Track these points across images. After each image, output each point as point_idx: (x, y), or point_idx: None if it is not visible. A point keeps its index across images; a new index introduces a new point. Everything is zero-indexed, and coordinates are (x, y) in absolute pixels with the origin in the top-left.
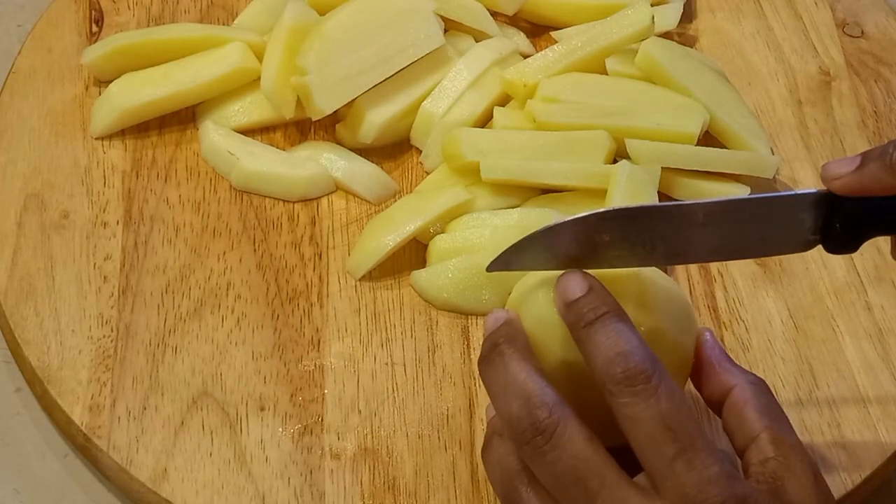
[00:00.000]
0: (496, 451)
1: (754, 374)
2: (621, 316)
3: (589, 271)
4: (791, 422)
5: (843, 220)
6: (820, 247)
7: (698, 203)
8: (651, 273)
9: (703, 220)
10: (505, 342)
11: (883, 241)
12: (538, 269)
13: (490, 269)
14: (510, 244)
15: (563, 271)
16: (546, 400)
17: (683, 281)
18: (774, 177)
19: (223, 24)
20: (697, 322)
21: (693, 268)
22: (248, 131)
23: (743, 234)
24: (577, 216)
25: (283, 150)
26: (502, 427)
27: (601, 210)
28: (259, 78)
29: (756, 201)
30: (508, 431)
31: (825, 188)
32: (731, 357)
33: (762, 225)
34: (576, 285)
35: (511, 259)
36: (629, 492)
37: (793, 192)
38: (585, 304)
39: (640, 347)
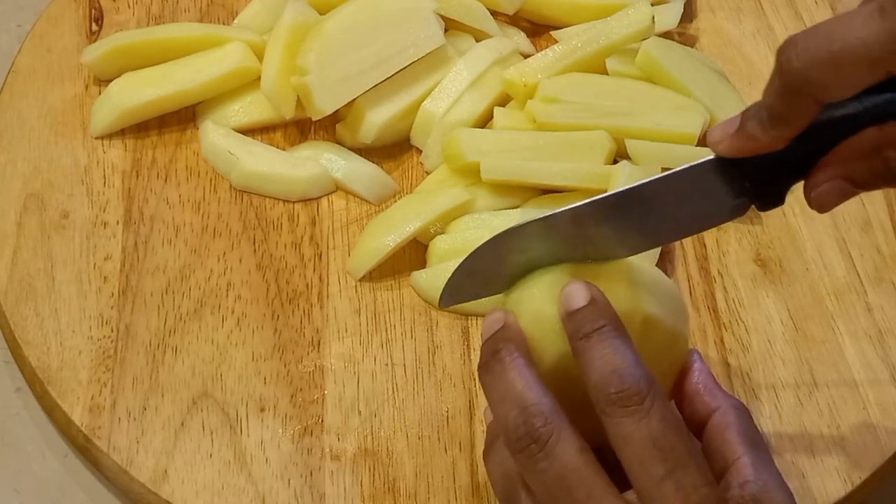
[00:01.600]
0: (498, 454)
1: (737, 399)
2: (619, 331)
3: (586, 280)
4: (791, 422)
5: (750, 178)
6: (819, 249)
7: (602, 198)
8: (641, 264)
9: (616, 212)
10: (504, 348)
11: (883, 241)
12: (486, 295)
13: (441, 305)
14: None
15: (556, 266)
16: (542, 409)
17: (683, 281)
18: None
19: (223, 24)
20: (688, 310)
21: (693, 268)
22: (248, 131)
23: (664, 216)
24: (493, 236)
25: (283, 150)
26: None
27: (517, 225)
28: (259, 78)
29: (660, 180)
30: (505, 438)
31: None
32: (731, 360)
33: (680, 201)
34: (578, 295)
35: (455, 292)
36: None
37: (691, 164)
38: (585, 316)
39: (635, 366)
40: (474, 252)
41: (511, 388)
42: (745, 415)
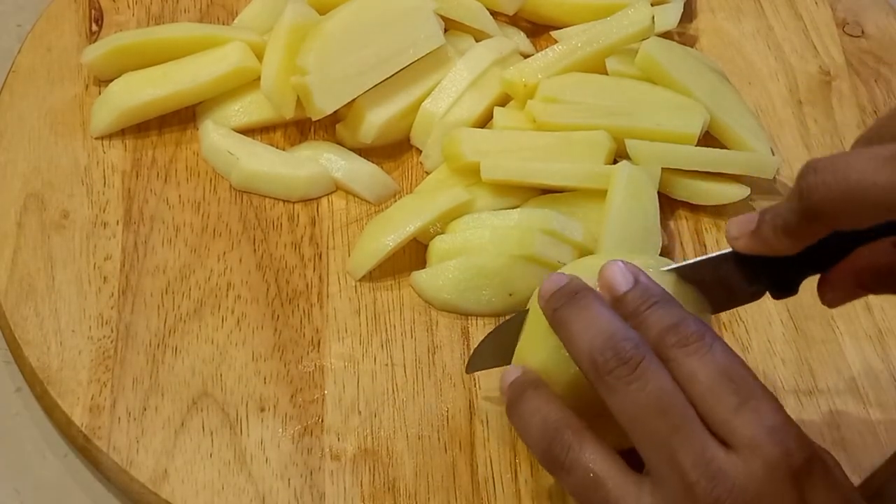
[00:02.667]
0: (531, 400)
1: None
2: (672, 301)
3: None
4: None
5: (767, 272)
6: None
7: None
8: (663, 262)
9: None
10: (585, 289)
11: None
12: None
13: (468, 371)
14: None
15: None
16: (632, 335)
17: None
18: (775, 177)
19: (223, 24)
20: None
21: None
22: (248, 131)
23: (697, 298)
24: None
25: (283, 150)
26: (535, 380)
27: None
28: (259, 78)
29: (684, 268)
30: (589, 364)
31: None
32: None
33: (705, 286)
34: (621, 278)
35: (481, 360)
36: (707, 436)
37: (712, 255)
38: (636, 298)
39: (690, 317)
40: (503, 325)
41: (597, 319)
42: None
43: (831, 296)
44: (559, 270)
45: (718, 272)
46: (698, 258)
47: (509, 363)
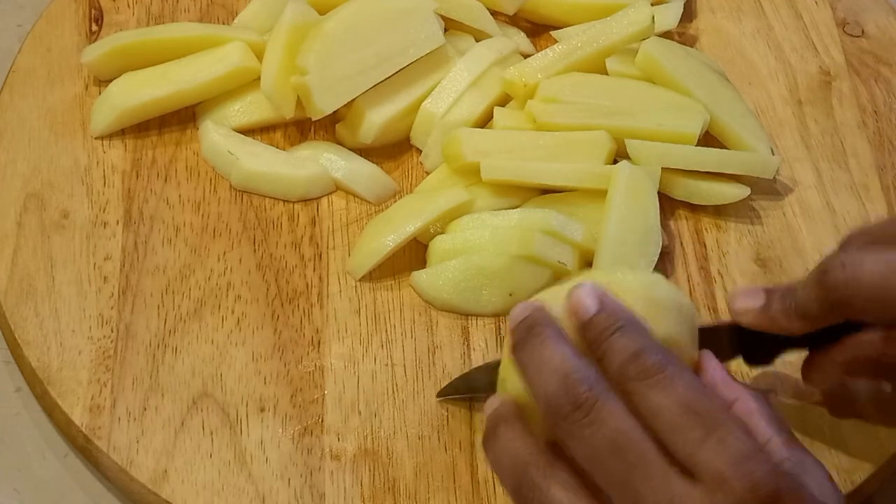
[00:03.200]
0: (502, 437)
1: (754, 389)
2: (636, 325)
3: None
4: (792, 422)
5: (748, 348)
6: (819, 249)
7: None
8: (656, 280)
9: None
10: (540, 324)
11: None
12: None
13: (440, 395)
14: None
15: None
16: (587, 375)
17: (683, 281)
18: (775, 177)
19: (223, 24)
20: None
21: (693, 268)
22: (248, 131)
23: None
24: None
25: (283, 150)
26: (507, 414)
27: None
28: (259, 77)
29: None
30: (545, 408)
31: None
32: (735, 366)
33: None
34: (588, 302)
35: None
36: (668, 471)
37: (712, 325)
38: (601, 323)
39: (652, 345)
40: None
41: (549, 359)
42: (765, 401)
43: (817, 377)
44: (534, 297)
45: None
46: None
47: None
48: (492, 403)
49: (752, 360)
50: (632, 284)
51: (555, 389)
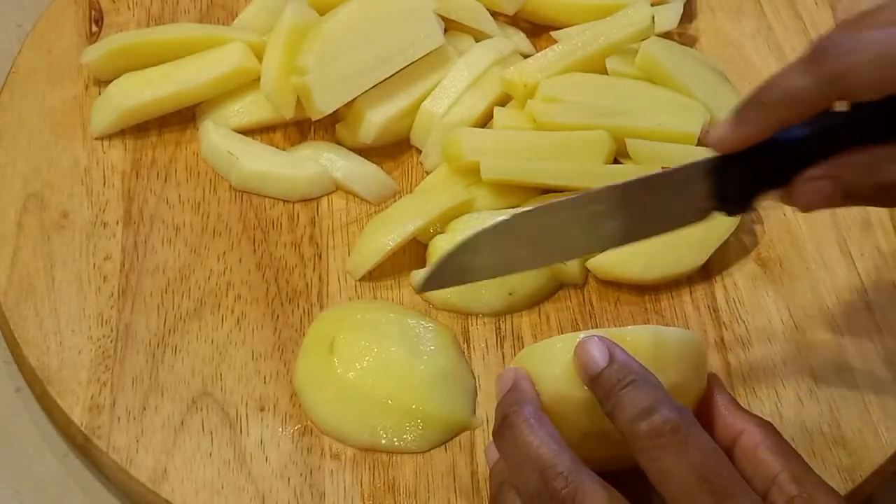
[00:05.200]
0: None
1: (761, 417)
2: (647, 380)
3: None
4: (792, 421)
5: (734, 181)
6: (820, 248)
7: (599, 190)
8: (662, 330)
9: (609, 205)
10: (513, 411)
11: (883, 241)
12: (467, 282)
13: (421, 290)
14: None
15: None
16: (561, 469)
17: (683, 281)
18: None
19: (223, 24)
20: (706, 366)
21: None
22: (248, 131)
23: (642, 214)
24: (485, 227)
25: (283, 150)
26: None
27: (500, 220)
28: (259, 78)
29: (653, 178)
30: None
31: (713, 155)
32: (731, 359)
33: (660, 201)
34: (597, 355)
35: (439, 279)
36: None
37: (686, 164)
38: (610, 377)
39: (665, 401)
40: (465, 243)
41: (525, 452)
42: (771, 430)
43: (806, 191)
44: (514, 361)
45: (659, 190)
46: (668, 168)
47: (470, 282)
48: (493, 449)
49: (731, 208)
50: (636, 335)
51: (535, 486)
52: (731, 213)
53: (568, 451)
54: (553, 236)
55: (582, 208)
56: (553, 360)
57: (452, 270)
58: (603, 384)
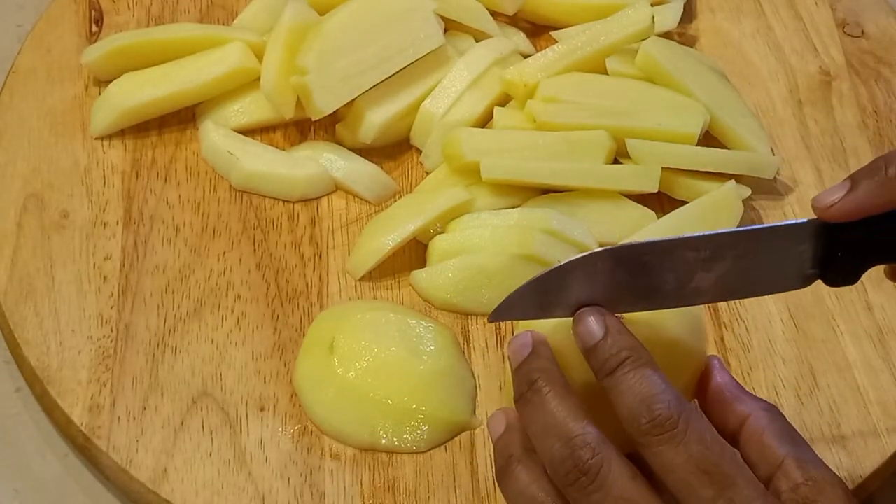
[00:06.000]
0: (519, 479)
1: (766, 401)
2: (642, 358)
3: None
4: (791, 421)
5: (844, 249)
6: None
7: (699, 236)
8: None
9: (706, 254)
10: (540, 378)
11: None
12: (542, 318)
13: (491, 320)
14: (511, 292)
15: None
16: (588, 440)
17: None
18: (775, 177)
19: (223, 24)
20: (706, 333)
21: None
22: (248, 131)
23: (742, 269)
24: (572, 259)
25: (283, 150)
26: (520, 452)
27: (598, 250)
28: (259, 78)
29: (754, 233)
30: (551, 471)
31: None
32: (731, 359)
33: (761, 257)
34: (594, 327)
35: (512, 309)
36: None
37: (791, 222)
38: (606, 350)
39: (663, 392)
40: (545, 275)
41: (552, 421)
42: (777, 415)
43: None
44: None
45: (759, 247)
46: (773, 224)
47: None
48: (498, 421)
49: (834, 279)
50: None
51: (559, 454)
52: (833, 283)
53: (595, 427)
54: (642, 278)
55: (673, 252)
56: (556, 326)
57: (532, 301)
58: (598, 356)
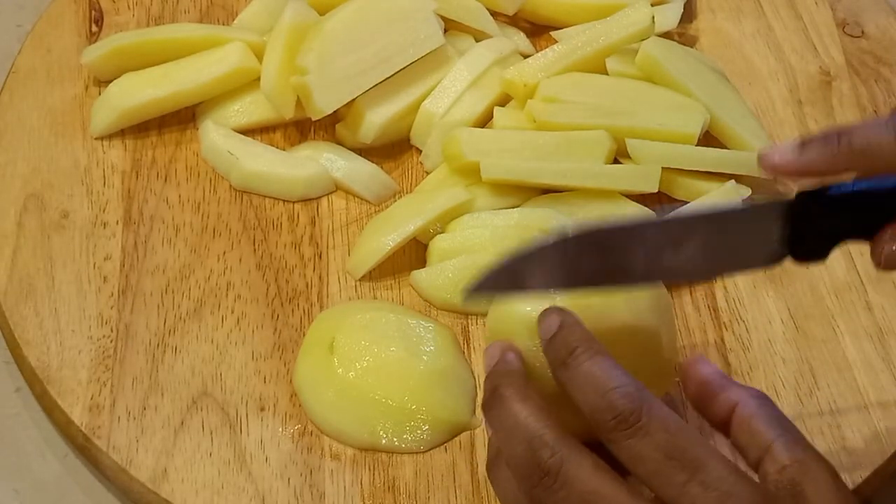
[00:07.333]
0: (505, 472)
1: (755, 389)
2: (592, 349)
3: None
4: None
5: (813, 229)
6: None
7: (666, 219)
8: None
9: (681, 233)
10: (503, 384)
11: None
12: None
13: (467, 298)
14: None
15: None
16: (547, 440)
17: (684, 281)
18: (775, 177)
19: (223, 24)
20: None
21: None
22: (248, 131)
23: (711, 249)
24: (545, 241)
25: (283, 150)
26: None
27: (572, 232)
28: (259, 78)
29: (723, 214)
30: (516, 475)
31: (792, 198)
32: (731, 359)
33: (730, 237)
34: (549, 322)
35: (489, 285)
36: None
37: (762, 203)
38: (558, 342)
39: (618, 380)
40: (525, 255)
41: (513, 424)
42: (765, 401)
43: (889, 257)
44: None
45: (729, 227)
46: (743, 205)
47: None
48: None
49: (801, 255)
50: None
51: (522, 456)
52: (803, 260)
53: (555, 424)
54: (616, 256)
55: (644, 232)
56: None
57: (507, 278)
58: (552, 350)
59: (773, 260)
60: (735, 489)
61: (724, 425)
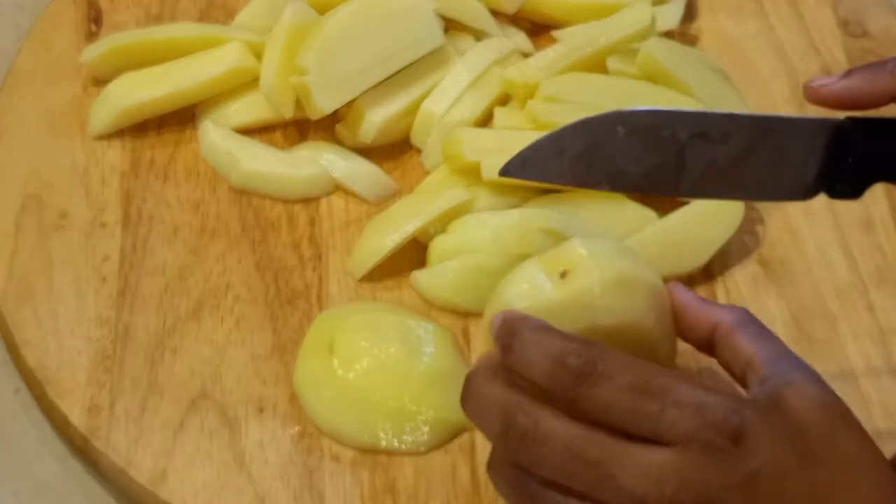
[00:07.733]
0: (506, 473)
1: (737, 306)
2: (531, 324)
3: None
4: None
5: (853, 157)
6: (821, 249)
7: (720, 111)
8: (622, 251)
9: (723, 130)
10: (471, 374)
11: (885, 241)
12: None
13: (503, 173)
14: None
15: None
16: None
17: (685, 282)
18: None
19: (222, 24)
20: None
21: None
22: (248, 131)
23: (749, 161)
24: (588, 118)
25: (283, 150)
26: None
27: (615, 111)
28: (258, 77)
29: (773, 118)
30: (500, 447)
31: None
32: None
33: (769, 151)
34: (495, 320)
35: (525, 164)
36: (635, 448)
37: (807, 117)
38: (501, 333)
39: (564, 342)
40: (565, 129)
41: (486, 401)
42: (745, 315)
43: None
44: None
45: (774, 130)
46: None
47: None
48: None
49: (836, 191)
50: (600, 260)
51: (500, 429)
52: (836, 194)
53: (527, 394)
54: (652, 149)
55: (690, 118)
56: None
57: (534, 160)
58: (497, 341)
59: (808, 190)
60: (709, 399)
61: (708, 346)
